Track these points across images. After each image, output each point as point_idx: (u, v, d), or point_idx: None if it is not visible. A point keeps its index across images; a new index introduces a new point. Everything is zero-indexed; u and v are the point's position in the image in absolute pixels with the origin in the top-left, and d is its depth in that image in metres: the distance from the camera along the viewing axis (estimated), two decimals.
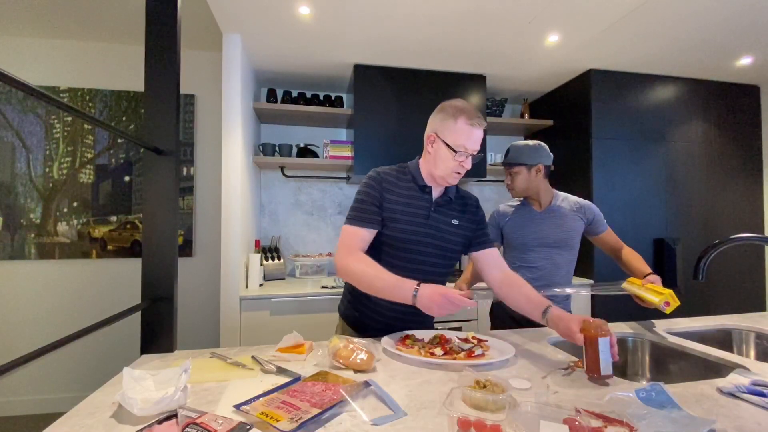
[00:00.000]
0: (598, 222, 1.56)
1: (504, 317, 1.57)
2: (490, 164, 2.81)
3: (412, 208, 1.15)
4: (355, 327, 1.26)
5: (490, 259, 1.23)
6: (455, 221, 1.20)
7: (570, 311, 1.58)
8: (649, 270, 1.39)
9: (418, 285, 1.00)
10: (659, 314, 1.23)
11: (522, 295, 1.15)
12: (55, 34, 2.51)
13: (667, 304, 1.16)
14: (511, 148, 1.58)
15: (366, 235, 1.12)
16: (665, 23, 2.05)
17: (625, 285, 1.28)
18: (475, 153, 1.12)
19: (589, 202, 1.58)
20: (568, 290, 1.47)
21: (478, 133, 1.11)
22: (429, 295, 0.98)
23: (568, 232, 1.53)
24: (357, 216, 1.13)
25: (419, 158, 1.24)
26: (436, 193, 1.20)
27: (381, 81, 2.52)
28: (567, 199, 1.60)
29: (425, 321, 1.24)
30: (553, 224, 1.54)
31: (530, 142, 1.57)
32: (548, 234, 1.53)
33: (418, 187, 1.18)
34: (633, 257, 1.48)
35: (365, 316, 1.24)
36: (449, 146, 1.10)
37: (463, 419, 0.64)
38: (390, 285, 1.03)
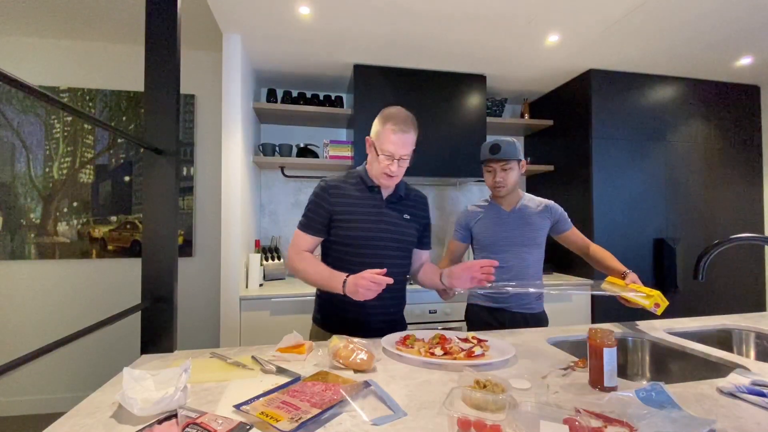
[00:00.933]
0: (562, 221, 1.59)
1: (477, 321, 1.60)
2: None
3: (364, 208, 1.25)
4: (324, 327, 1.31)
5: (424, 258, 1.41)
6: (407, 216, 1.30)
7: (543, 311, 1.61)
8: (623, 267, 1.40)
9: (347, 276, 1.11)
10: (647, 315, 1.23)
11: (426, 273, 1.36)
12: (55, 34, 2.51)
13: (657, 305, 1.16)
14: (499, 143, 1.52)
15: (311, 240, 1.26)
16: (665, 23, 2.05)
17: (605, 285, 1.26)
18: (403, 157, 1.19)
19: (553, 202, 1.62)
20: (532, 289, 1.51)
21: (403, 139, 1.17)
22: (353, 281, 1.08)
23: (536, 232, 1.56)
24: (304, 223, 1.26)
25: (366, 162, 1.32)
26: (386, 192, 1.29)
27: (381, 81, 2.52)
28: (532, 200, 1.62)
29: (395, 323, 1.32)
30: (522, 224, 1.56)
31: (512, 138, 1.58)
32: (517, 234, 1.55)
33: (367, 187, 1.27)
34: (604, 254, 1.50)
35: (333, 315, 1.29)
36: (376, 150, 1.20)
37: (463, 419, 0.64)
38: (325, 278, 1.16)
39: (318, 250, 1.31)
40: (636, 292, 1.19)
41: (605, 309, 2.51)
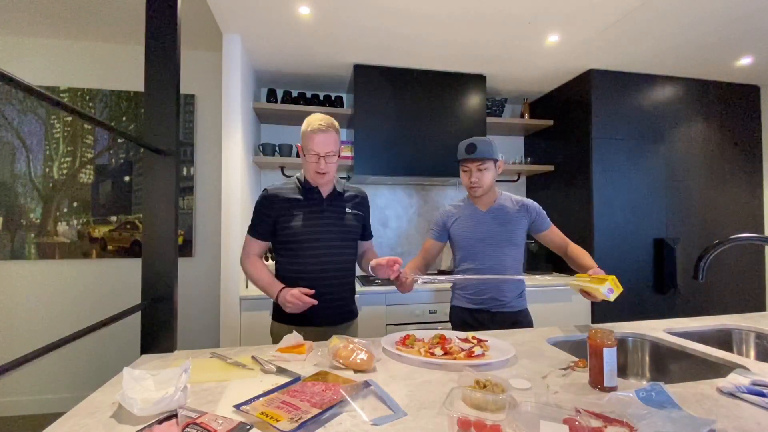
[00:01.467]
0: (541, 220, 1.57)
1: (458, 322, 1.59)
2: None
3: (305, 208, 1.36)
4: (280, 320, 1.39)
5: (367, 246, 1.55)
6: (349, 210, 1.43)
7: (525, 309, 1.59)
8: (595, 265, 1.38)
9: (281, 289, 1.28)
10: (648, 315, 1.22)
11: (365, 260, 1.48)
12: (55, 34, 2.51)
13: (611, 290, 1.15)
14: (476, 143, 1.51)
15: (258, 244, 1.40)
16: (665, 23, 2.05)
17: (570, 281, 1.27)
18: (329, 154, 1.30)
19: (531, 200, 1.60)
20: (488, 276, 1.49)
21: (324, 137, 1.30)
22: (282, 295, 1.26)
23: (514, 231, 1.54)
24: (251, 228, 1.40)
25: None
26: (325, 191, 1.40)
27: (381, 81, 2.52)
28: (509, 199, 1.60)
29: (346, 312, 1.44)
30: (498, 224, 1.54)
31: (488, 138, 1.55)
32: (494, 234, 1.53)
33: (306, 189, 1.39)
34: (579, 253, 1.49)
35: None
36: (304, 152, 1.33)
37: (463, 419, 0.64)
38: (266, 285, 1.34)
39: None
40: (591, 281, 1.18)
41: (605, 309, 2.51)
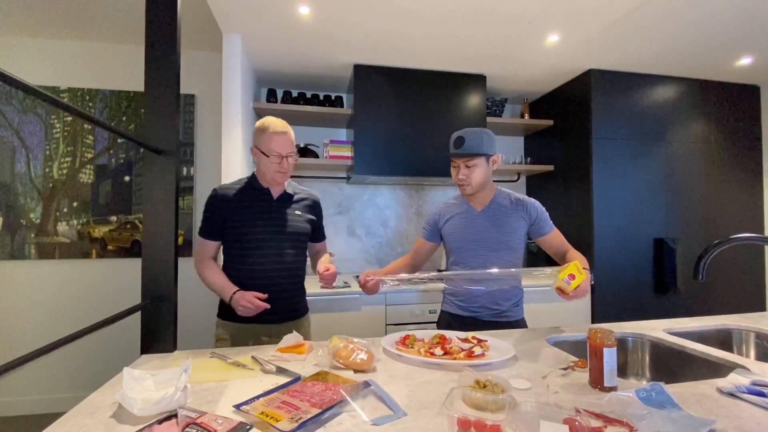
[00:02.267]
0: (542, 221, 1.41)
1: (444, 328, 1.46)
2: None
3: (255, 209, 1.38)
4: (228, 318, 1.40)
5: (318, 247, 1.59)
6: (298, 212, 1.44)
7: (522, 318, 1.47)
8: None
9: (234, 292, 1.29)
10: (648, 316, 1.22)
11: (316, 260, 1.54)
12: (55, 34, 2.51)
13: (572, 277, 1.10)
14: (464, 135, 1.36)
15: (210, 244, 1.39)
16: (665, 23, 2.05)
17: (546, 279, 1.21)
18: (289, 154, 1.34)
19: (533, 200, 1.44)
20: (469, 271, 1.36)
21: (285, 138, 1.34)
22: (235, 299, 1.28)
23: (509, 234, 1.40)
24: (202, 229, 1.39)
25: (255, 170, 1.46)
26: (276, 193, 1.42)
27: (381, 81, 2.52)
28: (508, 197, 1.45)
29: (297, 311, 1.46)
30: (493, 225, 1.40)
31: (483, 129, 1.39)
32: (488, 236, 1.40)
33: (257, 191, 1.40)
34: (575, 257, 1.35)
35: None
36: (264, 153, 1.33)
37: (463, 419, 0.64)
38: (219, 288, 1.34)
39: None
40: (555, 273, 1.12)
41: (605, 309, 2.51)
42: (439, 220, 1.51)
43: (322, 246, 1.60)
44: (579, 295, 1.13)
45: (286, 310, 1.42)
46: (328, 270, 1.35)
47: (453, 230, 1.46)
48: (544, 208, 1.44)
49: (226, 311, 1.41)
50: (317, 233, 1.55)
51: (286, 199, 1.44)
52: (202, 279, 1.38)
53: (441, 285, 1.51)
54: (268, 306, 1.27)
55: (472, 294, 1.42)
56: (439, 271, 2.73)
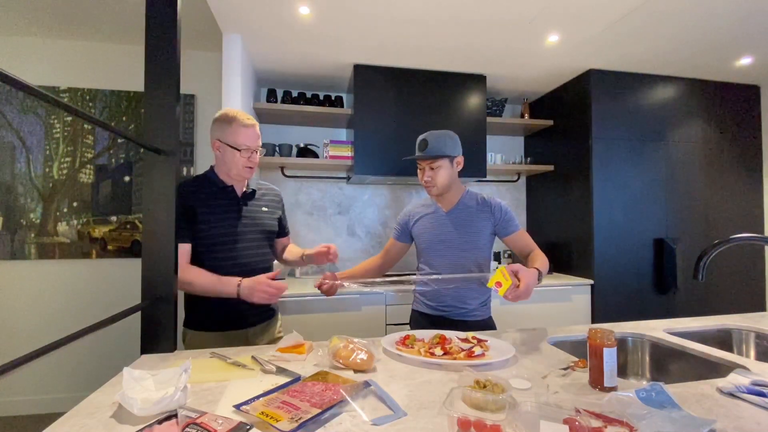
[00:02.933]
0: (505, 222, 1.43)
1: (415, 327, 1.50)
2: (491, 165, 2.81)
3: (221, 208, 1.30)
4: (198, 327, 1.31)
5: (286, 242, 1.57)
6: (265, 208, 1.40)
7: (489, 317, 1.49)
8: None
9: (240, 280, 1.19)
10: (649, 316, 1.22)
11: (291, 252, 1.54)
12: (55, 34, 2.51)
13: (498, 284, 1.11)
14: (428, 138, 1.39)
15: (185, 248, 1.25)
16: (665, 23, 2.05)
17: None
18: (258, 149, 1.31)
19: (499, 201, 1.47)
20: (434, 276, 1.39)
21: (253, 131, 1.29)
22: (250, 285, 1.17)
23: (475, 234, 1.43)
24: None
25: (213, 166, 1.38)
26: (240, 189, 1.36)
27: (381, 81, 2.52)
28: (475, 197, 1.48)
29: (267, 310, 1.40)
30: (459, 225, 1.43)
31: (446, 132, 1.43)
32: (453, 236, 1.43)
33: (220, 189, 1.33)
34: (535, 258, 1.37)
35: (209, 311, 1.30)
36: (233, 147, 1.27)
37: (463, 419, 0.64)
38: (214, 284, 1.21)
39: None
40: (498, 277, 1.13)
41: (605, 309, 2.51)
42: (408, 220, 1.54)
43: (287, 240, 1.56)
44: (518, 297, 1.12)
45: (259, 312, 1.36)
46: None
47: (422, 231, 1.50)
48: (509, 209, 1.47)
49: (194, 320, 1.31)
50: (283, 229, 1.51)
51: (250, 195, 1.38)
52: (190, 286, 1.23)
53: (411, 286, 1.53)
54: (286, 285, 1.19)
55: (439, 293, 1.43)
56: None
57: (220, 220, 1.29)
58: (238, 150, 1.27)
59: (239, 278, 1.20)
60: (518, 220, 1.49)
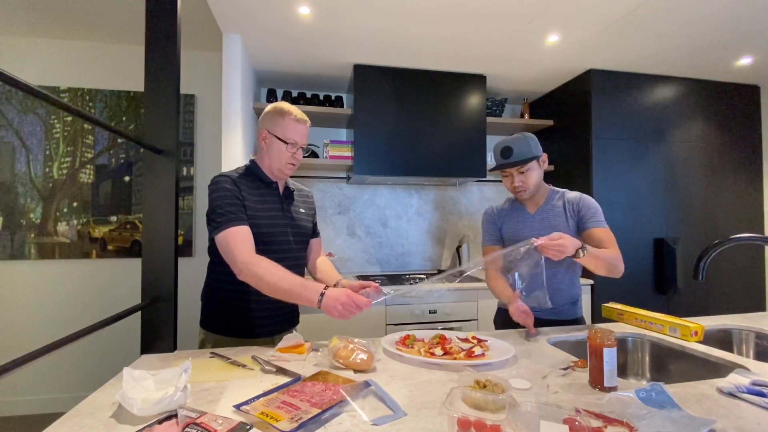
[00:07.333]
0: (586, 217, 1.37)
1: (500, 324, 1.49)
2: (490, 167, 2.81)
3: (267, 204, 1.24)
4: (217, 331, 1.23)
5: (316, 247, 1.45)
6: (302, 209, 1.36)
7: (581, 317, 1.46)
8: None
9: (324, 288, 1.05)
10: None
11: (323, 270, 1.40)
12: (55, 34, 2.51)
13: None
14: (510, 144, 1.36)
15: (249, 231, 1.13)
16: (665, 23, 2.05)
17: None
18: (305, 146, 1.27)
19: (582, 195, 1.41)
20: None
21: (305, 128, 1.26)
22: (335, 297, 1.02)
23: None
24: (233, 216, 1.12)
25: (253, 159, 1.31)
26: (281, 187, 1.32)
27: (381, 81, 2.52)
28: (561, 196, 1.43)
29: (292, 317, 1.34)
30: (546, 227, 1.37)
31: (524, 134, 1.41)
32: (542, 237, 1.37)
33: (265, 184, 1.27)
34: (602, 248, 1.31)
35: (231, 315, 1.22)
36: (281, 139, 1.22)
37: (463, 419, 0.64)
38: (296, 286, 1.06)
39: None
40: None
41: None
42: (496, 221, 1.51)
43: (317, 242, 1.48)
44: (549, 245, 1.16)
45: (287, 320, 1.30)
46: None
47: (510, 233, 1.46)
48: (594, 204, 1.40)
49: (212, 320, 1.24)
50: (316, 228, 1.47)
51: (289, 194, 1.33)
52: (261, 276, 1.06)
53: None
54: (369, 303, 1.04)
55: (528, 290, 1.34)
56: (440, 271, 2.74)
57: (266, 217, 1.21)
58: (286, 143, 1.21)
59: (322, 285, 1.06)
60: (603, 217, 1.39)
